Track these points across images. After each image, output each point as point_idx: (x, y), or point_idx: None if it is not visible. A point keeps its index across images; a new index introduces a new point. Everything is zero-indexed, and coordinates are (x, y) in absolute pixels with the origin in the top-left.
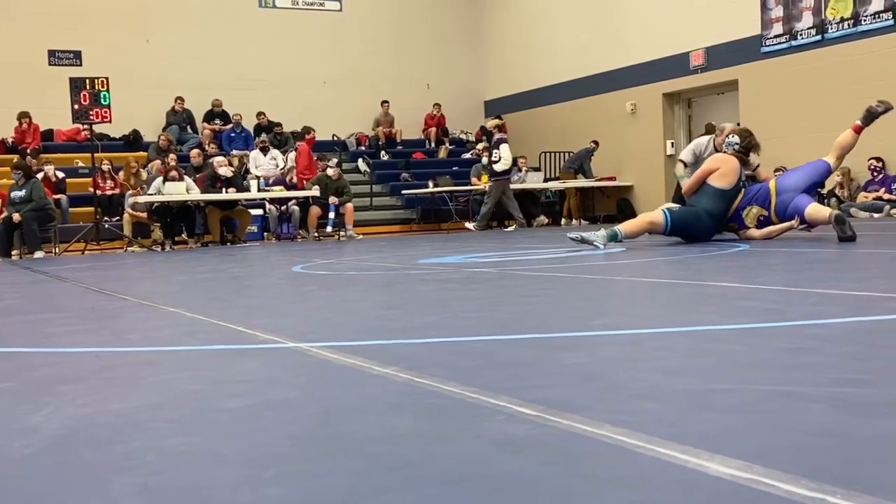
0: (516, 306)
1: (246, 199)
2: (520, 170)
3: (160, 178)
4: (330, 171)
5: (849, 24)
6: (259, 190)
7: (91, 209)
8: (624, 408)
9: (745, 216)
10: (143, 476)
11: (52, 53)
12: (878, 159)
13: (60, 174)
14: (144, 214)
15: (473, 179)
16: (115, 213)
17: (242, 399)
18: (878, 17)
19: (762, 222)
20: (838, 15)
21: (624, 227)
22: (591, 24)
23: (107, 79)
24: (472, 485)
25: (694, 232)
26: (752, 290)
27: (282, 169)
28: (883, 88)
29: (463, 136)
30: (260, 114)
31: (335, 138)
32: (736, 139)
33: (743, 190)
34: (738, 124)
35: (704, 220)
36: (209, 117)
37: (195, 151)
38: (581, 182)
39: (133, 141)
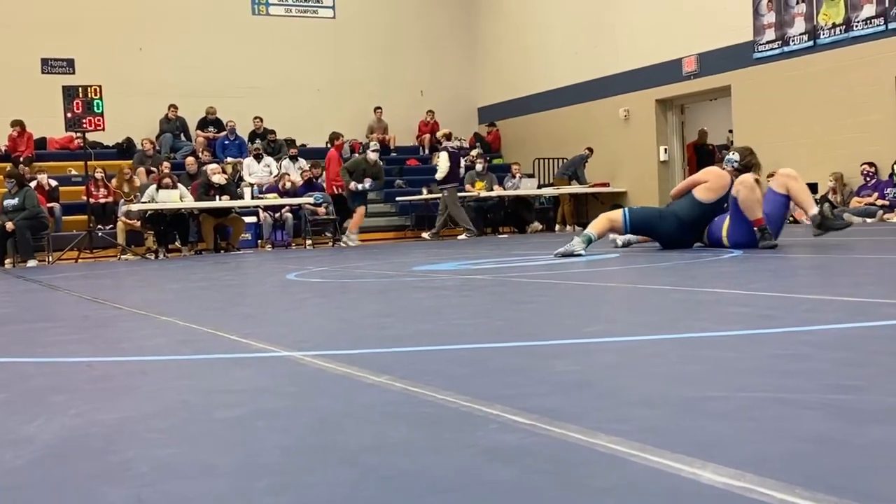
0: (510, 313)
1: (239, 207)
2: (514, 176)
3: (153, 186)
4: (372, 156)
5: (841, 30)
6: (253, 197)
7: (84, 217)
8: (617, 416)
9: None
10: (137, 487)
11: (45, 62)
12: (871, 164)
13: (53, 182)
14: (138, 222)
15: (467, 186)
16: (109, 221)
17: (236, 409)
18: (870, 22)
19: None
20: (830, 21)
21: (592, 229)
22: (585, 30)
23: (100, 87)
24: (465, 494)
25: (657, 230)
26: (745, 297)
27: (275, 176)
28: (874, 94)
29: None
30: (256, 118)
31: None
32: (736, 157)
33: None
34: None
35: (669, 221)
36: (203, 125)
37: (190, 159)
38: (575, 188)
39: (126, 149)
